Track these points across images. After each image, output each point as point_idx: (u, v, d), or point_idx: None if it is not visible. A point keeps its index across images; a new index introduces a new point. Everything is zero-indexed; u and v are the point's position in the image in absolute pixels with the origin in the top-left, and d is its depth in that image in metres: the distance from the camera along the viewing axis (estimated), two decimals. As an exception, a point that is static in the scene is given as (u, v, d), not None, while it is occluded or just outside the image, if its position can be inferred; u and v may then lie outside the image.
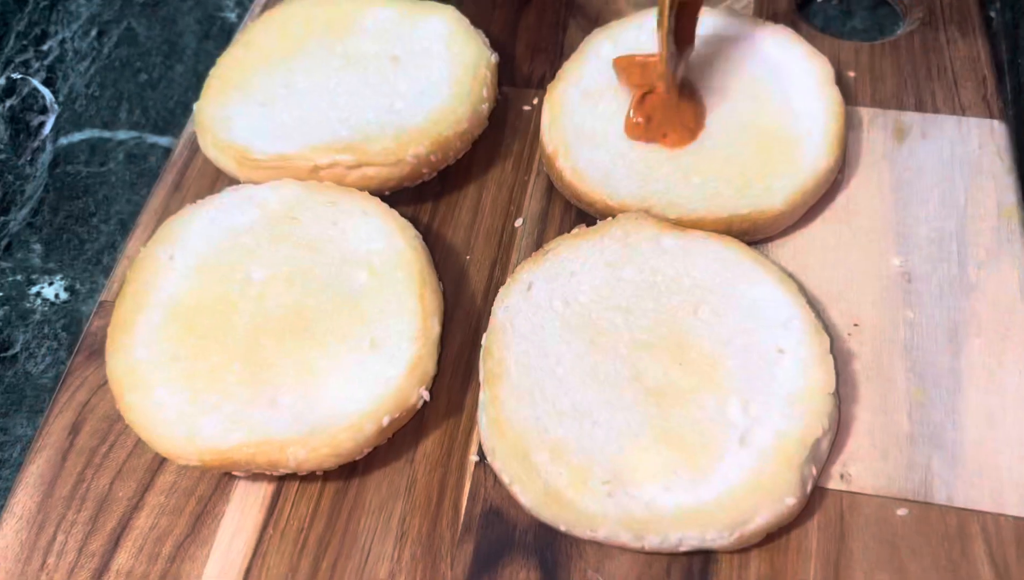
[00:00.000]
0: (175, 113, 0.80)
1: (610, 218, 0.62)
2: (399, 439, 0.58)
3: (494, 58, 0.70)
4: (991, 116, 0.69)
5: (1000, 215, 0.65)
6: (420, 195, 0.68)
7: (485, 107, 0.68)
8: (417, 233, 0.62)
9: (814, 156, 0.63)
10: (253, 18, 0.80)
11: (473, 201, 0.68)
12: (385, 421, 0.54)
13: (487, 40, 0.71)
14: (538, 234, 0.66)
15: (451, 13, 0.72)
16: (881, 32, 0.79)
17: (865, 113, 0.70)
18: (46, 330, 0.68)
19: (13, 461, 0.62)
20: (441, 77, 0.68)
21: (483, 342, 0.58)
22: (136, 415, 0.55)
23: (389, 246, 0.60)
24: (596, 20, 0.78)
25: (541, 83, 0.75)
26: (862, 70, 0.73)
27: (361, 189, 0.64)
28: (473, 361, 0.61)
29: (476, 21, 0.74)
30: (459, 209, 0.68)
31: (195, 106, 0.69)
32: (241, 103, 0.67)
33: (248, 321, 0.58)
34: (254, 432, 0.53)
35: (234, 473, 0.56)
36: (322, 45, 0.71)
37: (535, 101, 0.73)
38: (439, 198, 0.69)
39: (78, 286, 0.70)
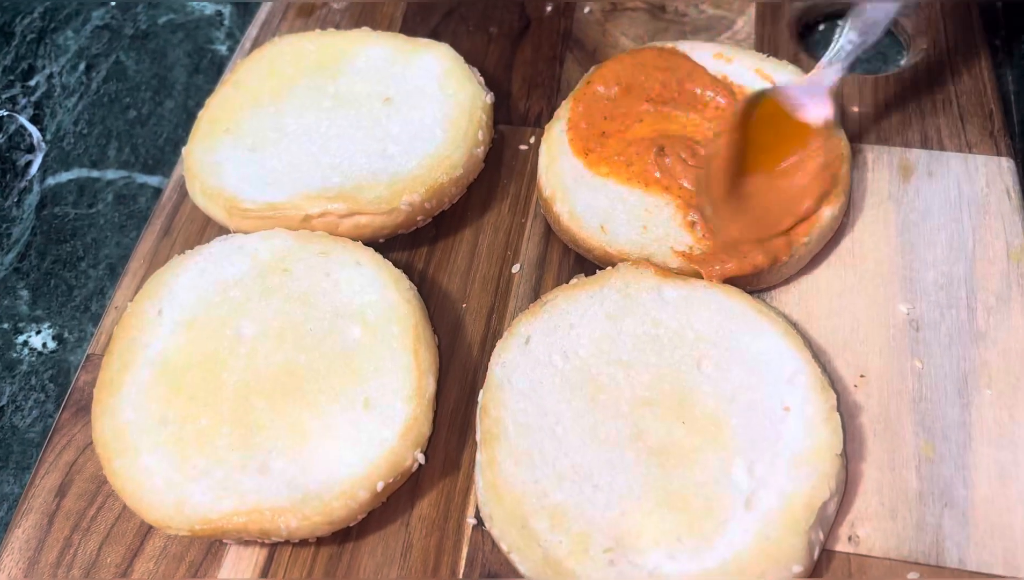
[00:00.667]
0: (164, 151, 0.78)
1: (610, 267, 0.60)
2: (394, 500, 0.56)
3: (489, 99, 0.68)
4: (998, 153, 0.68)
5: (1009, 257, 0.63)
6: (415, 240, 0.67)
7: (481, 150, 0.66)
8: (412, 285, 0.60)
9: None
10: (243, 54, 0.78)
11: (469, 246, 0.67)
12: (379, 486, 0.53)
13: (482, 79, 0.70)
14: (536, 280, 0.65)
15: (445, 51, 0.70)
16: (885, 62, 0.77)
17: (870, 151, 0.69)
18: (33, 381, 0.67)
19: (0, 521, 0.61)
20: (435, 120, 0.66)
21: (480, 399, 0.56)
22: (123, 482, 0.53)
23: (383, 299, 0.59)
24: (593, 54, 0.76)
25: (538, 121, 0.73)
26: (866, 105, 0.71)
27: (354, 238, 0.63)
28: (470, 416, 0.59)
29: (470, 57, 0.73)
30: (455, 254, 0.66)
31: (183, 150, 0.67)
32: (230, 147, 0.66)
33: (238, 380, 0.56)
34: (245, 500, 0.52)
35: (225, 540, 0.54)
36: (313, 85, 0.69)
37: (532, 140, 0.72)
38: (434, 243, 0.67)
39: (66, 335, 0.69)
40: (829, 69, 0.63)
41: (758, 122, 0.63)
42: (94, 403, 0.56)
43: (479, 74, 0.70)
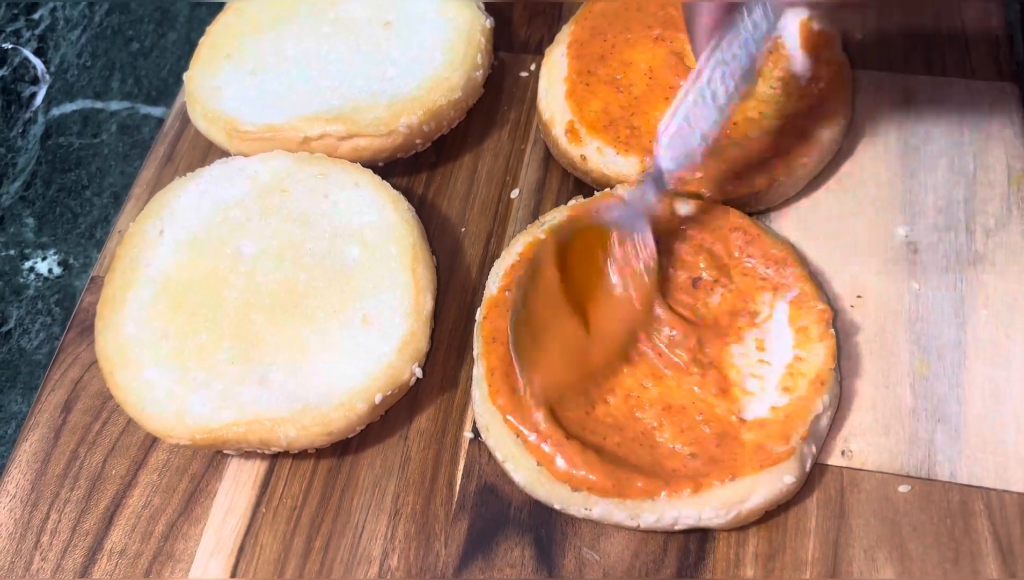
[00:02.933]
0: (167, 83, 0.78)
1: (608, 189, 0.60)
2: (392, 415, 0.57)
3: (489, 23, 0.68)
4: (1001, 78, 0.67)
5: (1010, 182, 0.63)
6: (414, 166, 0.67)
7: (480, 74, 0.66)
8: (410, 206, 0.61)
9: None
10: (245, -16, 0.78)
11: (468, 171, 0.67)
12: (377, 399, 0.54)
13: (482, 3, 0.69)
14: (534, 205, 0.65)
15: None
16: (890, -9, 0.77)
17: (872, 77, 0.68)
18: (39, 305, 0.68)
19: (8, 438, 0.62)
20: (434, 43, 0.66)
21: (477, 316, 0.57)
22: (126, 394, 0.54)
23: (381, 219, 0.59)
24: (595, -18, 0.76)
25: (539, 48, 0.73)
26: (869, 31, 0.71)
27: (353, 160, 0.63)
28: (467, 335, 0.60)
29: (472, -16, 0.72)
30: (454, 180, 0.67)
31: (185, 75, 0.67)
32: (231, 72, 0.66)
33: (238, 297, 0.57)
34: (244, 411, 0.53)
35: (226, 451, 0.55)
36: (313, 10, 0.69)
37: (532, 67, 0.72)
38: (434, 168, 0.67)
39: (71, 261, 0.70)
40: (642, 189, 0.55)
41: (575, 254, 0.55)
42: (97, 319, 0.57)
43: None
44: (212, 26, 0.70)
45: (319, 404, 0.53)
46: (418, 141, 0.64)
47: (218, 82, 0.65)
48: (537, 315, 0.54)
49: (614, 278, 0.55)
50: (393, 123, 0.62)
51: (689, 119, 0.52)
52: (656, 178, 0.54)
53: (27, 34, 0.82)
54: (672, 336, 0.55)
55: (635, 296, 0.55)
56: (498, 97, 0.70)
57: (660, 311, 0.55)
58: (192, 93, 0.65)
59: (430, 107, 0.63)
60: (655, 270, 0.55)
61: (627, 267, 0.55)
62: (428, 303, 0.57)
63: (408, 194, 0.64)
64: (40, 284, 0.69)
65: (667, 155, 0.53)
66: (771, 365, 0.54)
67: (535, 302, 0.54)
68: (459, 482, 0.55)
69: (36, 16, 0.83)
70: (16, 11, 0.84)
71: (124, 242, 0.60)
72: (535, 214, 0.65)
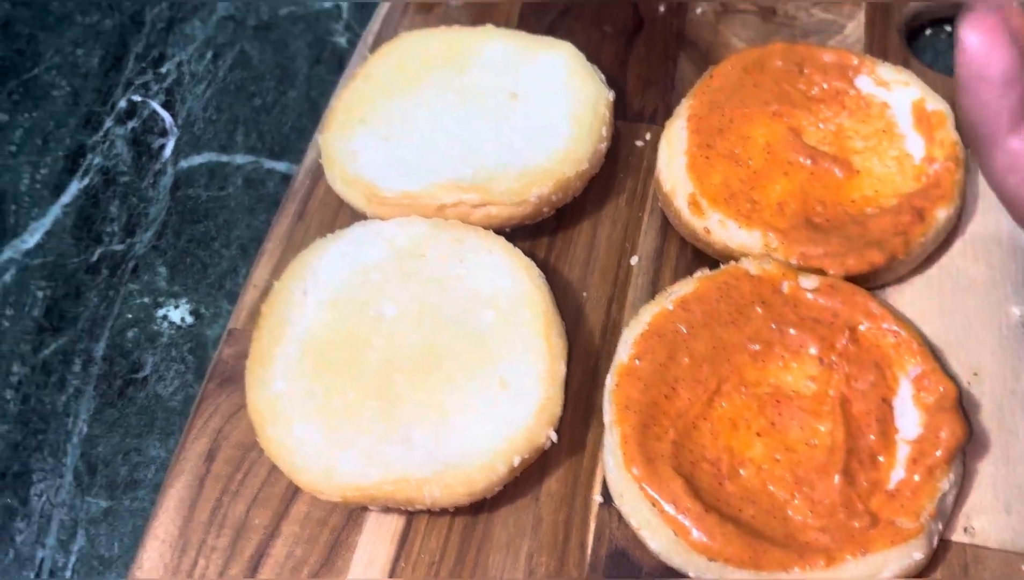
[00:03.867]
0: (290, 138, 0.82)
1: (733, 262, 0.63)
2: (524, 476, 0.59)
3: (611, 96, 0.71)
4: (1111, 161, 0.69)
5: (1121, 264, 0.64)
6: (537, 231, 0.70)
7: (604, 146, 0.69)
8: (541, 273, 0.63)
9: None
10: (365, 48, 0.81)
11: (588, 237, 0.70)
12: (516, 461, 0.56)
13: (603, 76, 0.72)
14: (654, 272, 0.68)
15: (568, 49, 0.73)
16: (993, 68, 0.79)
17: (982, 156, 0.70)
18: (173, 353, 0.71)
19: (148, 482, 0.65)
20: (560, 115, 0.69)
21: (608, 383, 0.59)
22: (277, 449, 0.57)
23: (514, 285, 0.62)
24: (707, 54, 0.79)
25: (653, 117, 0.75)
26: (977, 110, 0.73)
27: (484, 226, 0.66)
28: (592, 399, 0.62)
29: (586, 54, 0.75)
30: (575, 245, 0.69)
31: (320, 137, 0.71)
32: (366, 137, 0.69)
33: (380, 357, 0.60)
34: (390, 470, 0.55)
35: (369, 507, 0.58)
36: (440, 78, 0.72)
37: (647, 136, 0.74)
38: (555, 234, 0.70)
39: (203, 310, 0.73)
40: None
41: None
42: (247, 374, 0.60)
43: (600, 72, 0.72)
44: (343, 90, 0.73)
45: (461, 465, 0.55)
46: (546, 209, 0.67)
47: (354, 146, 0.69)
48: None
49: None
50: (524, 193, 0.65)
51: None
52: None
53: (155, 87, 0.86)
54: (802, 414, 0.57)
55: None
56: (615, 165, 0.73)
57: (792, 388, 0.57)
58: (330, 156, 0.69)
59: (559, 178, 0.66)
60: None
61: None
62: (562, 369, 0.59)
63: (531, 257, 0.66)
64: (173, 332, 0.72)
65: None
66: (897, 442, 0.56)
67: None
68: (590, 545, 0.57)
69: (163, 70, 0.87)
70: (144, 64, 0.88)
71: (269, 301, 0.63)
72: (655, 281, 0.67)
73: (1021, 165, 0.41)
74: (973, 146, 0.43)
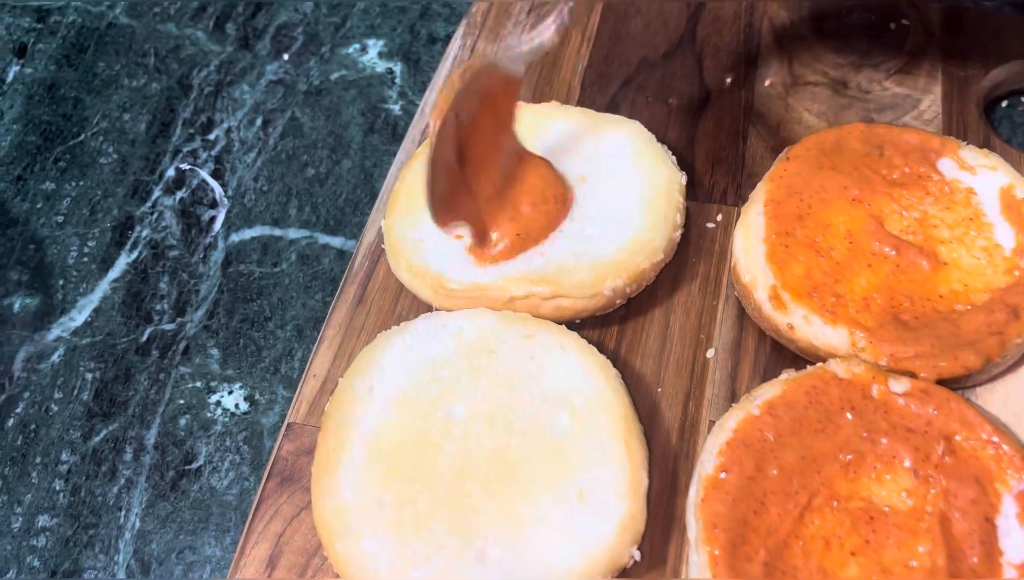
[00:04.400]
0: (344, 212, 0.80)
1: (820, 363, 0.60)
2: (603, 591, 0.56)
3: (684, 179, 0.68)
4: None
5: None
6: (606, 318, 0.67)
7: (678, 234, 0.66)
8: (617, 372, 0.61)
9: None
10: (422, 117, 0.79)
11: (660, 326, 0.67)
12: (597, 582, 0.53)
13: (674, 158, 0.70)
14: (732, 366, 0.65)
15: (637, 129, 0.70)
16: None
17: (1073, 246, 0.67)
18: (228, 443, 0.68)
19: (204, 584, 0.63)
20: (631, 201, 0.66)
21: (692, 497, 0.56)
22: (346, 566, 0.54)
23: (589, 385, 0.59)
24: (776, 130, 0.76)
25: (724, 197, 0.73)
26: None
27: (554, 319, 0.63)
28: (673, 507, 0.59)
29: (651, 130, 0.72)
30: (646, 335, 0.67)
31: (383, 223, 0.68)
32: (430, 224, 0.67)
33: (452, 463, 0.57)
34: (467, 589, 0.53)
35: (441, 627, 0.55)
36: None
37: (718, 217, 0.72)
38: (624, 322, 0.67)
39: (257, 396, 0.70)
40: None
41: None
42: (313, 482, 0.58)
43: (670, 152, 0.70)
44: (405, 171, 0.71)
45: (541, 585, 0.53)
46: (619, 301, 0.64)
47: (419, 234, 0.66)
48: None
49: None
50: (598, 286, 0.62)
51: None
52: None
53: (204, 155, 0.84)
54: (899, 532, 0.54)
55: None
56: (686, 248, 0.70)
57: (887, 502, 0.55)
58: (394, 245, 0.66)
59: (633, 270, 0.63)
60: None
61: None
62: (644, 481, 0.56)
63: (600, 348, 0.64)
64: (227, 420, 0.69)
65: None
66: (1003, 566, 0.53)
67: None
68: (675, 669, 0.54)
69: (212, 136, 0.85)
70: (192, 130, 0.86)
71: (334, 399, 0.61)
72: (733, 376, 0.64)
73: None
74: None
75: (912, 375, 0.59)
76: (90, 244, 0.79)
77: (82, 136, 0.86)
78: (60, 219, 0.81)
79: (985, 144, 0.72)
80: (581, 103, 0.78)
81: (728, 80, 0.79)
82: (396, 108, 0.86)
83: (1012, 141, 0.76)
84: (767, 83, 0.79)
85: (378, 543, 0.55)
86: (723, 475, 0.56)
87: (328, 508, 0.56)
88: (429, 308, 0.67)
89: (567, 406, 0.59)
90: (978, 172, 0.67)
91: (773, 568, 0.53)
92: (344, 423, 0.59)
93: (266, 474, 0.63)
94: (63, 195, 0.83)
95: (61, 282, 0.77)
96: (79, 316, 0.75)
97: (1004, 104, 0.80)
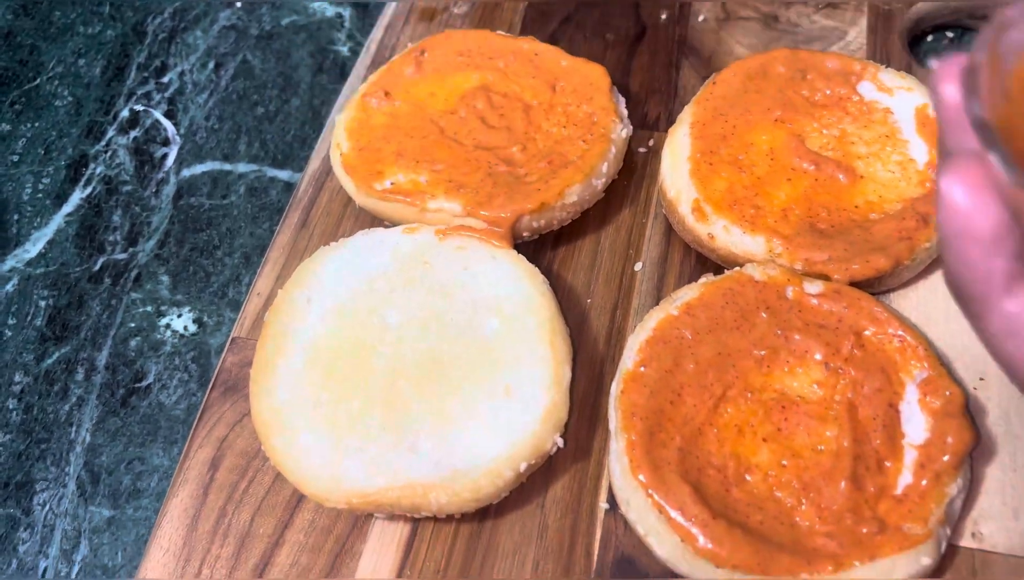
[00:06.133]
0: (292, 147, 0.82)
1: (737, 268, 0.63)
2: (530, 483, 0.59)
3: (625, 133, 0.70)
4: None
5: None
6: (540, 240, 0.70)
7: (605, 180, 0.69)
8: (545, 279, 0.63)
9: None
10: (368, 56, 0.81)
11: (592, 243, 0.70)
12: (522, 467, 0.56)
13: (625, 111, 0.72)
14: (658, 278, 0.68)
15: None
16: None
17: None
18: (176, 362, 0.71)
19: (151, 491, 0.65)
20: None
21: (613, 390, 0.59)
22: (283, 459, 0.57)
23: (518, 291, 0.62)
24: (709, 61, 0.79)
25: (656, 124, 0.75)
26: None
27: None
28: (597, 406, 0.62)
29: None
30: (579, 252, 0.69)
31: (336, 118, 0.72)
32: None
33: (386, 365, 0.60)
34: (397, 477, 0.55)
35: (375, 515, 0.58)
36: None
37: (651, 142, 0.74)
38: (559, 241, 0.70)
39: (205, 319, 0.73)
40: None
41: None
42: (251, 384, 0.60)
43: (623, 105, 0.72)
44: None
45: (467, 472, 0.55)
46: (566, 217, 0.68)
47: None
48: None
49: None
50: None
51: None
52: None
53: (157, 97, 0.86)
54: (809, 420, 0.57)
55: None
56: (617, 172, 0.72)
57: (798, 393, 0.57)
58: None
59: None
60: None
61: None
62: (567, 374, 0.59)
63: (534, 264, 0.66)
64: (176, 341, 0.72)
65: None
66: (904, 447, 0.56)
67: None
68: (596, 552, 0.57)
69: (165, 79, 0.87)
70: (147, 74, 0.88)
71: (273, 308, 0.63)
72: (659, 287, 0.67)
73: (1021, 329, 0.36)
74: (962, 306, 0.37)
75: (826, 278, 0.62)
76: (44, 181, 0.81)
77: (38, 80, 0.88)
78: (15, 158, 0.83)
79: (908, 72, 0.75)
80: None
81: (663, 16, 0.82)
82: (344, 50, 0.88)
83: (936, 72, 0.79)
84: (700, 18, 0.82)
85: (314, 438, 0.57)
86: (642, 369, 0.58)
87: (266, 408, 0.59)
88: (370, 229, 0.69)
89: (497, 311, 0.61)
90: (895, 93, 0.70)
91: (687, 453, 0.56)
92: (283, 331, 0.62)
93: (211, 385, 0.65)
94: (18, 136, 0.85)
95: (16, 217, 0.79)
96: (33, 248, 0.77)
97: (929, 39, 0.83)
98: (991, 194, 0.33)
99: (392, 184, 0.67)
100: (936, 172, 0.36)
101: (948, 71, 0.35)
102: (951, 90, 0.35)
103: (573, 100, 0.72)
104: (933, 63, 0.80)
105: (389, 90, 0.73)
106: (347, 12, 0.91)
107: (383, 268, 0.64)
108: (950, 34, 0.83)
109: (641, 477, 0.54)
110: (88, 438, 0.68)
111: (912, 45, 0.81)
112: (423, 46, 0.75)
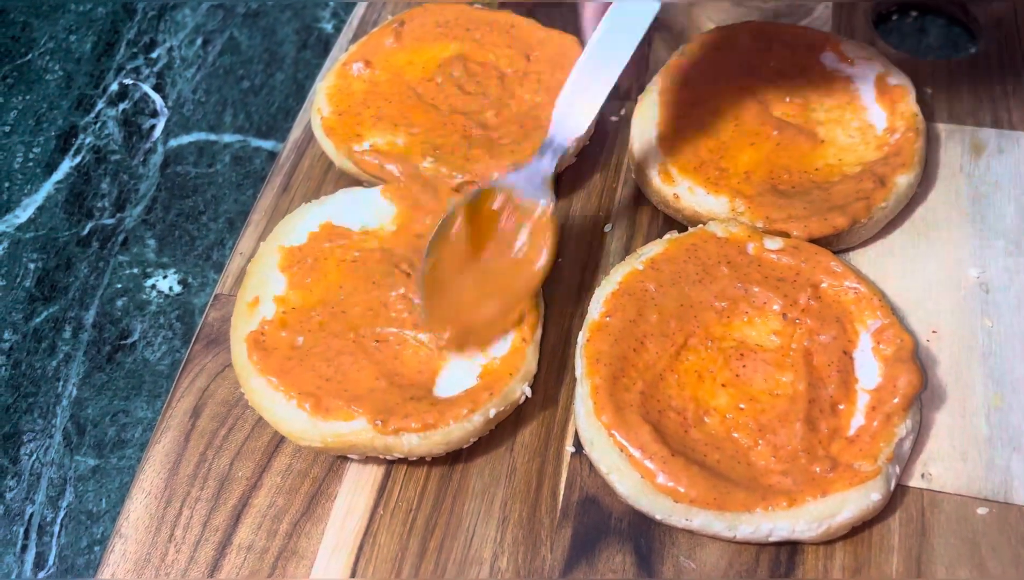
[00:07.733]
0: (276, 118, 0.85)
1: (701, 225, 0.65)
2: (499, 429, 0.61)
3: None
4: (1067, 133, 0.72)
5: (1076, 229, 0.67)
6: (514, 200, 0.72)
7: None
8: (517, 237, 0.66)
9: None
10: (351, 31, 0.84)
11: (564, 206, 0.72)
12: (491, 413, 0.58)
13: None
14: (627, 239, 0.70)
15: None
16: (955, 50, 0.82)
17: (943, 129, 0.73)
18: (161, 320, 0.73)
19: (135, 441, 0.67)
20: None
21: (580, 339, 0.62)
22: (260, 399, 0.59)
23: (490, 248, 0.64)
24: (680, 37, 0.81)
25: (628, 94, 0.78)
26: (939, 87, 0.76)
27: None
28: (566, 358, 0.64)
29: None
30: (551, 214, 0.72)
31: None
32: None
33: (362, 312, 0.62)
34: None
35: (349, 456, 0.60)
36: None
37: (622, 112, 0.77)
38: (532, 204, 0.72)
39: (190, 280, 0.75)
40: (544, 159, 0.64)
41: (479, 217, 0.62)
42: (231, 330, 0.62)
43: None
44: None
45: (438, 415, 0.58)
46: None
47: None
48: (444, 267, 0.61)
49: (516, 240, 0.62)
50: (501, 160, 0.68)
51: (578, 92, 0.63)
52: (553, 147, 0.64)
53: (146, 71, 0.89)
54: (766, 366, 0.59)
55: (531, 257, 0.61)
56: (590, 139, 0.75)
57: (756, 342, 0.60)
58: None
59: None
60: (552, 235, 0.62)
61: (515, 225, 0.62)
62: (537, 330, 0.61)
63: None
64: (162, 301, 0.74)
65: (561, 125, 0.64)
66: (857, 391, 0.58)
67: (443, 252, 0.61)
68: (562, 492, 0.59)
69: (154, 55, 0.90)
70: (136, 50, 0.90)
71: (255, 260, 0.65)
72: (627, 247, 0.69)
73: None
74: None
75: (786, 235, 0.65)
76: (35, 150, 0.84)
77: (29, 56, 0.91)
78: (7, 129, 0.85)
79: (872, 46, 0.78)
80: (499, 15, 0.83)
81: (637, -7, 0.84)
82: (328, 27, 0.91)
83: (902, 48, 0.81)
84: (673, -5, 0.84)
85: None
86: (607, 319, 0.61)
87: (244, 351, 0.61)
88: (349, 191, 0.72)
89: (469, 265, 0.64)
90: (856, 63, 0.73)
91: (649, 397, 0.58)
92: (262, 281, 0.64)
93: (194, 338, 0.67)
94: (10, 108, 0.87)
95: (7, 185, 0.82)
96: (23, 214, 0.80)
97: (894, 18, 0.85)
98: None
99: (371, 146, 0.69)
100: None
101: None
102: None
103: (547, 69, 0.74)
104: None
105: (369, 59, 0.75)
106: (332, -9, 0.93)
107: (362, 223, 0.66)
108: (914, 14, 0.85)
109: (604, 418, 0.57)
110: (75, 392, 0.70)
111: (877, 24, 0.84)
112: (402, 17, 0.78)
